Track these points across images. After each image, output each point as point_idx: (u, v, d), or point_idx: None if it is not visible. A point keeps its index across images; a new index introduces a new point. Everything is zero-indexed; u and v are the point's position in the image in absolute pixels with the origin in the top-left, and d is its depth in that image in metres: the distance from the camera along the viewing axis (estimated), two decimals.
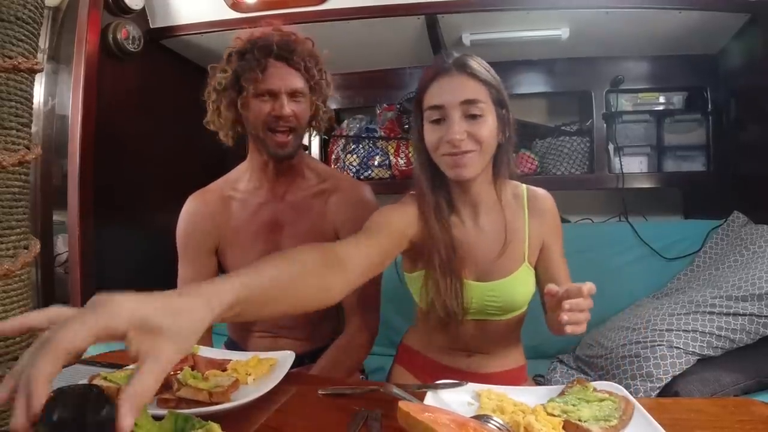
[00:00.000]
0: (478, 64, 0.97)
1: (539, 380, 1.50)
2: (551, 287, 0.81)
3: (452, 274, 1.00)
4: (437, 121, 0.95)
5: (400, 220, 1.00)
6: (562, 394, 0.77)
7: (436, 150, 0.96)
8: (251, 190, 1.24)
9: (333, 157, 2.16)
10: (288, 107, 1.13)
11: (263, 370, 0.90)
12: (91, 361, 1.05)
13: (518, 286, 1.04)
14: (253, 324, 1.26)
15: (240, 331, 1.30)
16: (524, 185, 1.11)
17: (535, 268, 1.09)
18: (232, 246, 1.22)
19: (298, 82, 1.15)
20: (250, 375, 0.86)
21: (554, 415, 0.70)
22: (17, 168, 0.49)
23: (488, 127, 0.95)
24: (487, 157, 0.98)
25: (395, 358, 1.23)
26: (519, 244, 1.05)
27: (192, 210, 1.24)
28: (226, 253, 1.23)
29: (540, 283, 1.08)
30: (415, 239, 1.02)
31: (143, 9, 1.80)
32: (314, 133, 1.32)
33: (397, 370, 1.19)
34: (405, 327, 1.26)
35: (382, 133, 2.12)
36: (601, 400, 0.74)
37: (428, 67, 1.01)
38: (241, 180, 1.26)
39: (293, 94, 1.15)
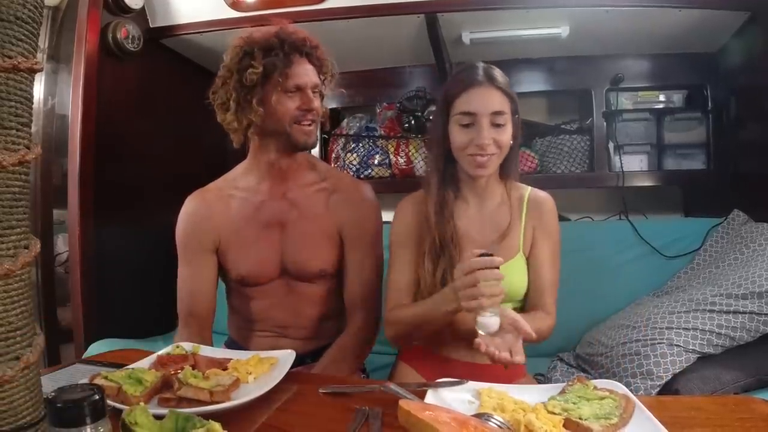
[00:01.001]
0: (502, 77, 1.10)
1: (539, 378, 1.50)
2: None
3: (442, 257, 1.09)
4: (467, 125, 1.07)
5: (415, 225, 1.14)
6: (562, 392, 0.77)
7: (464, 150, 1.08)
8: (252, 188, 1.24)
9: (333, 155, 2.16)
10: (315, 102, 1.18)
11: (264, 369, 0.90)
12: (92, 361, 1.05)
13: (514, 274, 1.10)
14: (255, 323, 1.26)
15: (242, 331, 1.30)
16: (529, 188, 1.19)
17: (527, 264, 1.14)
18: (232, 245, 1.22)
19: (316, 78, 1.20)
20: (250, 374, 0.87)
21: (555, 414, 0.70)
22: (17, 168, 0.49)
23: (508, 133, 1.09)
24: (502, 159, 1.11)
25: (398, 355, 1.25)
26: (515, 235, 1.13)
27: (191, 210, 1.24)
28: (226, 253, 1.23)
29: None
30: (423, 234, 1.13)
31: (143, 8, 1.80)
32: None
33: (400, 366, 1.21)
34: None
35: (382, 132, 2.12)
36: (602, 399, 0.74)
37: (458, 75, 1.14)
38: (241, 179, 1.26)
39: (314, 89, 1.19)
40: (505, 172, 1.15)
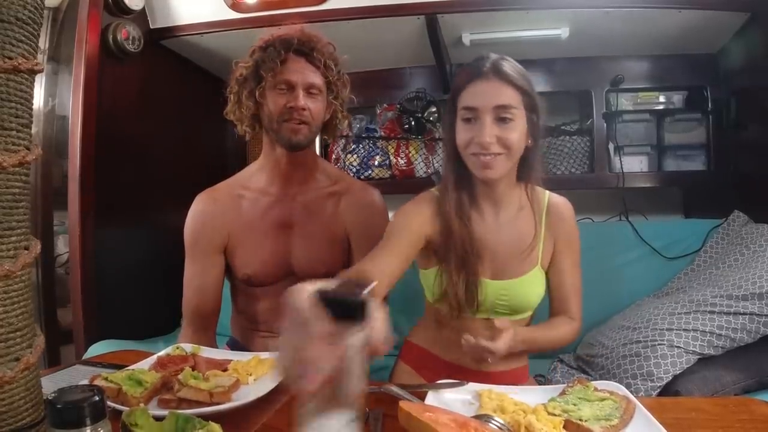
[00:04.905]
0: (513, 69, 0.99)
1: (540, 380, 1.49)
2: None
3: (467, 270, 1.02)
4: (469, 121, 0.99)
5: (417, 221, 1.04)
6: (562, 393, 0.77)
7: (466, 148, 0.99)
8: (263, 189, 1.24)
9: (333, 157, 2.16)
10: (303, 100, 1.15)
11: (264, 370, 0.90)
12: (92, 362, 1.05)
13: (530, 287, 1.06)
14: (258, 324, 1.26)
15: (245, 331, 1.30)
16: (547, 192, 1.13)
17: (546, 273, 1.10)
18: (241, 245, 1.23)
19: (315, 78, 1.18)
20: (250, 375, 0.87)
21: (555, 415, 0.70)
22: (17, 169, 0.49)
23: (517, 131, 0.98)
24: (514, 160, 1.01)
25: (399, 356, 1.24)
26: (534, 246, 1.07)
27: (201, 208, 1.25)
28: (234, 252, 1.23)
29: (548, 287, 1.10)
30: (431, 236, 1.05)
31: (143, 9, 1.80)
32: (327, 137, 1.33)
33: (400, 367, 1.20)
34: (408, 327, 1.26)
35: (382, 133, 2.12)
36: (602, 400, 0.74)
37: (465, 67, 1.04)
38: (253, 179, 1.27)
39: (309, 89, 1.17)
40: (523, 176, 1.06)
